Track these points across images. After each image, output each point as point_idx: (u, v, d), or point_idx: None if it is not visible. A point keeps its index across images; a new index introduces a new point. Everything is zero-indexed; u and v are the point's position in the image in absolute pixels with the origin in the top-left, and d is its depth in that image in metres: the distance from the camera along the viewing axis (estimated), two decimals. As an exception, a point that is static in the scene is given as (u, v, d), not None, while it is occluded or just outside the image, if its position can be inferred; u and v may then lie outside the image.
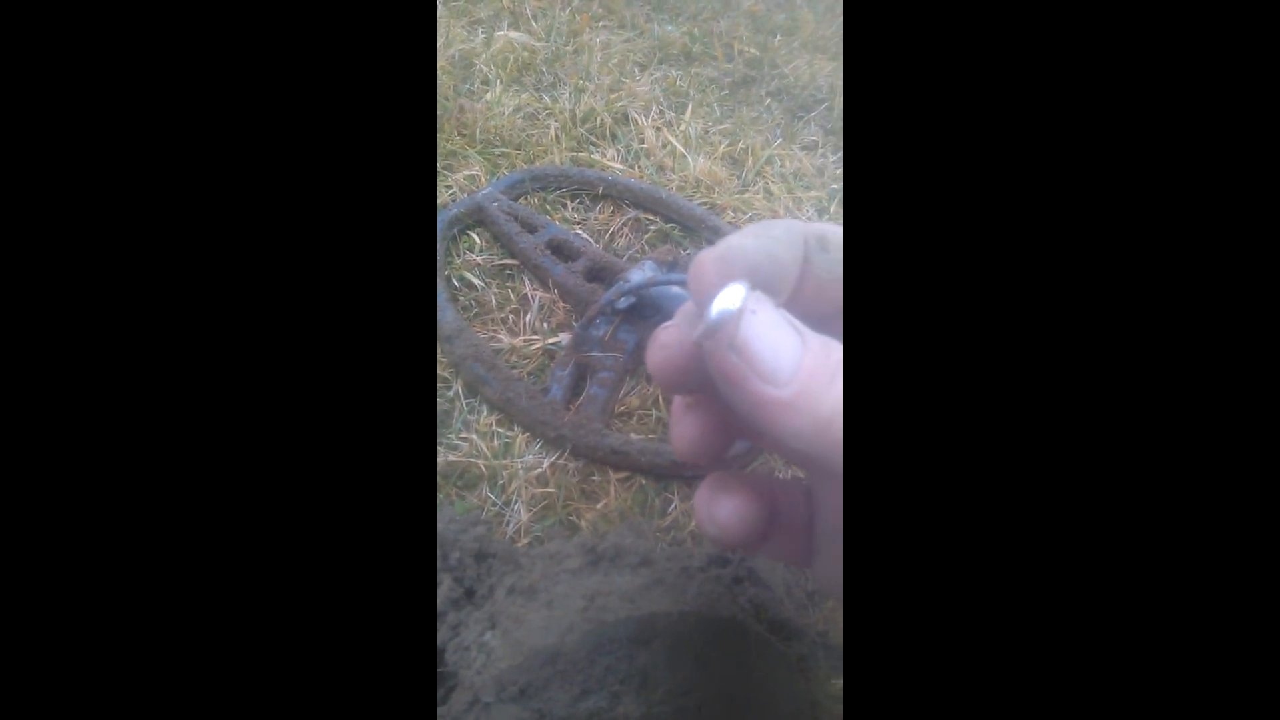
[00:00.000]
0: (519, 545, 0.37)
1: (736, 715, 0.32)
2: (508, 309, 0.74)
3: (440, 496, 0.59)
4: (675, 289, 0.68)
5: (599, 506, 0.59)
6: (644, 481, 0.61)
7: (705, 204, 0.89)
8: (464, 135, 0.92)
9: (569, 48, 1.16)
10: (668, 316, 0.70)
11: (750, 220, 0.89)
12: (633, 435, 0.64)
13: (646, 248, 0.83)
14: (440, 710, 0.32)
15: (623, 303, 0.68)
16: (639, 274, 0.69)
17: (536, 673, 0.30)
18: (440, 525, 0.41)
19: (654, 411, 0.66)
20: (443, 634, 0.34)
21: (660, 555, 0.39)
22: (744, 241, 0.22)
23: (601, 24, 1.26)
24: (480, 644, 0.31)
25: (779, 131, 1.07)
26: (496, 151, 0.91)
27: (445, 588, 0.37)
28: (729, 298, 0.20)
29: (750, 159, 0.99)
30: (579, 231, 0.82)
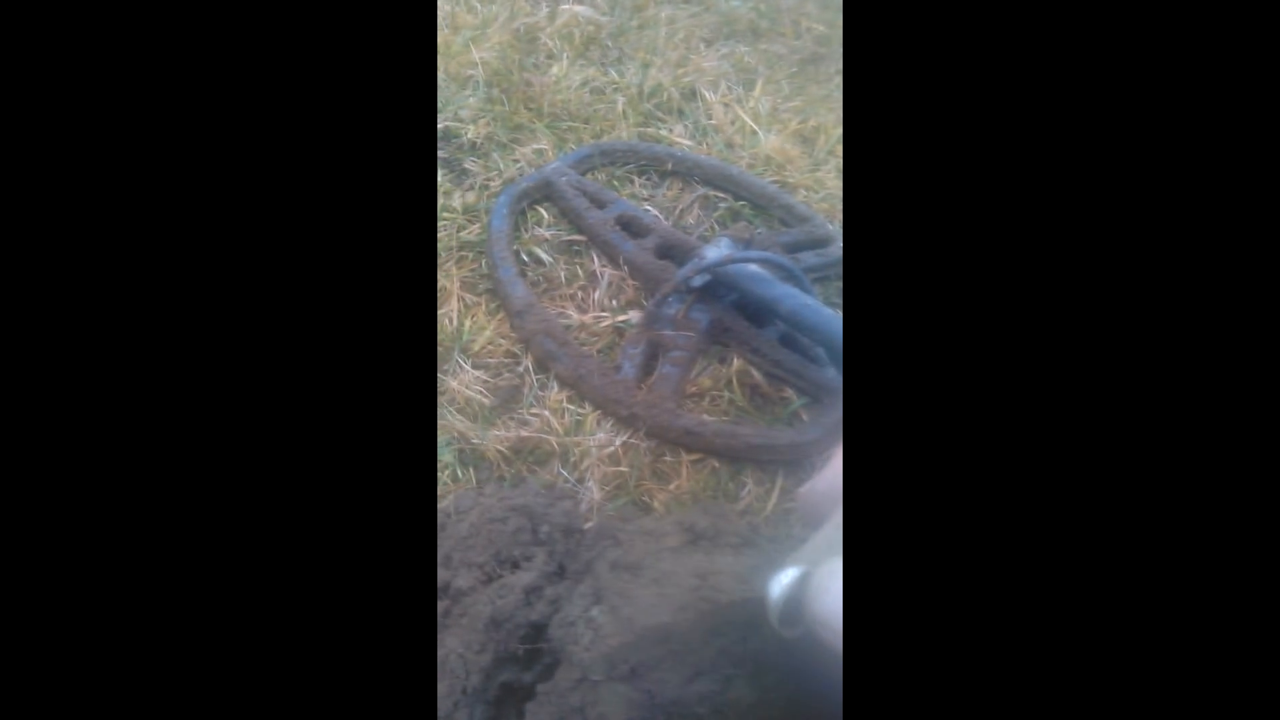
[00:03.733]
0: (613, 521, 0.36)
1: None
2: (576, 285, 0.72)
3: (511, 472, 0.58)
4: (752, 267, 0.66)
5: (671, 487, 0.58)
6: (717, 464, 0.60)
7: (776, 182, 0.87)
8: (531, 109, 0.91)
9: (634, 22, 1.13)
10: (743, 295, 0.68)
11: (823, 201, 0.86)
12: (705, 416, 0.62)
13: (716, 226, 0.81)
14: (542, 686, 0.31)
15: (698, 281, 0.66)
16: (714, 252, 0.67)
17: (648, 652, 0.29)
18: (528, 498, 0.41)
19: (726, 393, 0.64)
20: (541, 609, 0.33)
21: (762, 538, 0.37)
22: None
23: (666, -1, 1.23)
24: (587, 619, 0.30)
25: (850, 110, 1.03)
26: (563, 125, 0.89)
27: (539, 561, 0.36)
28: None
29: (822, 137, 0.95)
30: (648, 208, 0.80)
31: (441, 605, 0.36)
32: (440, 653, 0.33)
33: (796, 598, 0.21)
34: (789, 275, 0.66)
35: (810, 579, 0.22)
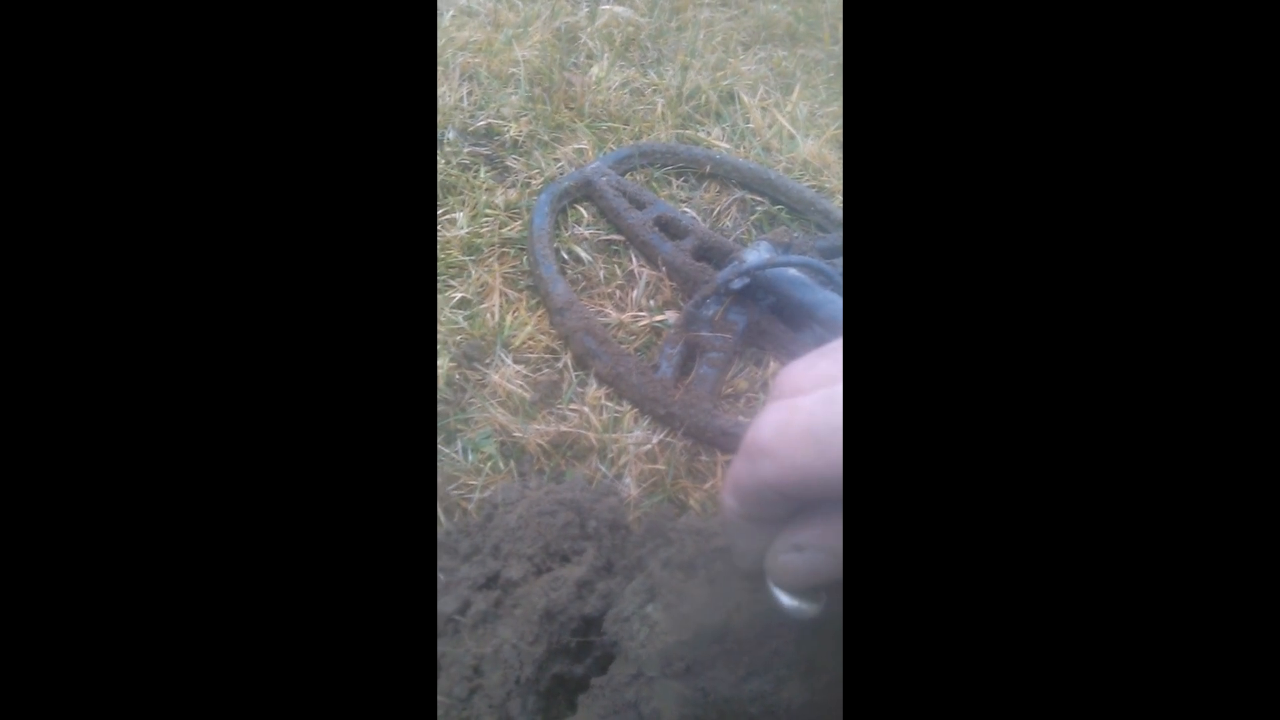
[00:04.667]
0: (662, 519, 0.37)
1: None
2: (614, 284, 0.73)
3: (550, 465, 0.59)
4: (791, 271, 0.66)
5: (707, 486, 0.59)
6: (753, 466, 0.60)
7: (814, 187, 0.87)
8: (571, 108, 0.92)
9: (673, 24, 1.14)
10: (781, 299, 0.68)
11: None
12: (741, 418, 0.63)
13: (753, 229, 0.82)
14: (598, 680, 0.31)
15: (737, 283, 0.67)
16: (754, 255, 0.68)
17: (703, 650, 0.29)
18: (575, 493, 0.41)
19: (761, 395, 0.65)
20: (594, 603, 0.34)
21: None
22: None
23: (705, 1, 1.23)
24: (642, 616, 0.31)
25: (887, 116, 1.03)
26: (603, 126, 0.90)
27: (589, 555, 0.37)
28: None
29: (859, 143, 0.95)
30: (686, 209, 0.81)
31: (493, 596, 0.37)
32: (494, 643, 0.34)
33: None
34: (827, 280, 0.66)
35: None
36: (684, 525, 0.36)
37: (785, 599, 0.27)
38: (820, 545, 0.23)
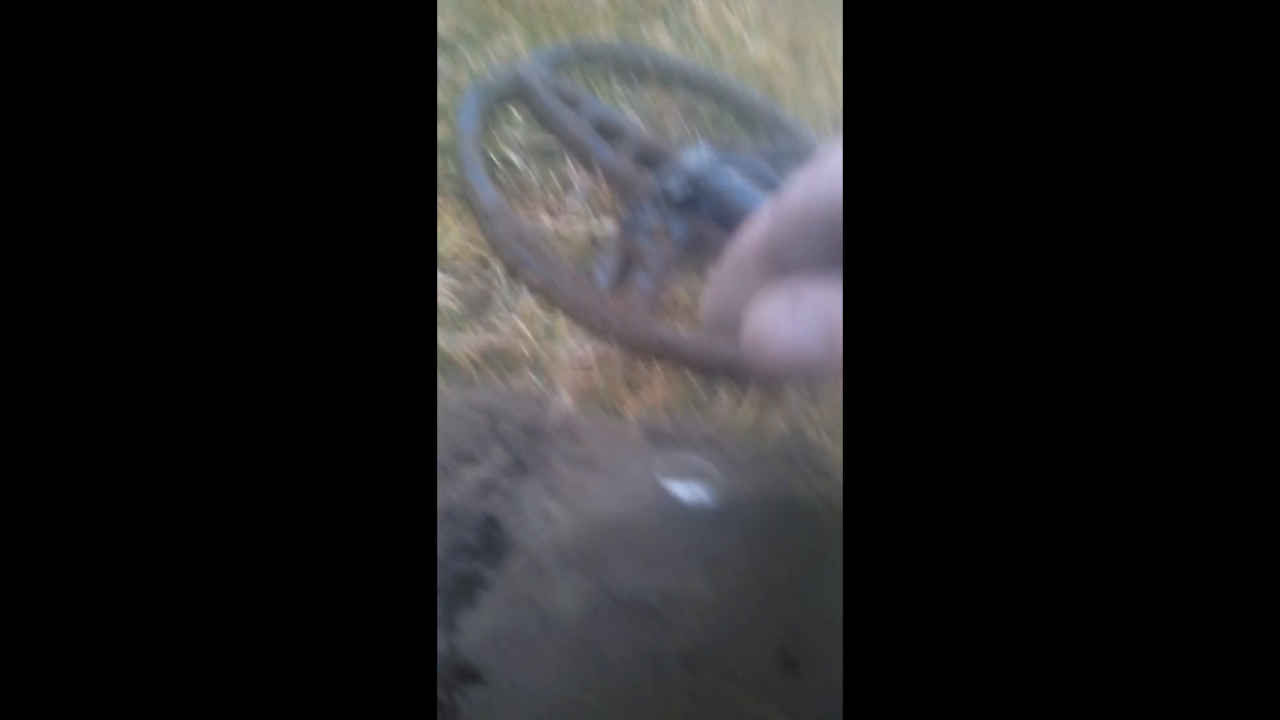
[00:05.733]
0: (575, 420, 0.35)
1: (807, 605, 0.30)
2: (549, 190, 0.69)
3: (480, 377, 0.56)
4: (731, 174, 0.63)
5: (643, 396, 0.57)
6: (690, 376, 0.59)
7: (763, 90, 0.83)
8: (503, 2, 0.85)
9: (617, -88, 1.05)
10: (723, 206, 0.65)
11: (810, 113, 0.82)
12: (680, 328, 0.61)
13: (697, 133, 0.77)
14: (492, 573, 0.30)
15: (677, 190, 0.63)
16: (694, 158, 0.64)
17: (601, 543, 0.28)
18: (489, 397, 0.39)
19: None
20: (495, 500, 0.32)
21: (727, 440, 0.36)
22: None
23: (652, -112, 1.14)
24: (541, 510, 0.29)
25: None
26: (537, 19, 0.84)
27: (495, 455, 0.35)
28: None
29: (813, 48, 0.91)
30: (626, 111, 0.76)
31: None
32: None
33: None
34: (770, 187, 0.63)
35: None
36: (596, 424, 0.34)
37: (680, 489, 0.26)
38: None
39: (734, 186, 0.63)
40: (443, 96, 0.74)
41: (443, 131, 0.71)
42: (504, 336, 0.58)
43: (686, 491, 0.25)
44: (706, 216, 0.65)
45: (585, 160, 0.70)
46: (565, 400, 0.56)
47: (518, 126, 0.72)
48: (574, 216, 0.67)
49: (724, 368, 0.58)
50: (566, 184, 0.69)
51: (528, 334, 0.59)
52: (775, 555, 0.30)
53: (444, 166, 0.69)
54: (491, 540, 0.30)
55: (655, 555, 0.28)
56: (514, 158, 0.70)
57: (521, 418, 0.38)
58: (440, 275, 0.61)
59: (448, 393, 0.45)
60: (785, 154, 0.74)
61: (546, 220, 0.66)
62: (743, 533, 0.29)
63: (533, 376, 0.57)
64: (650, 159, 0.70)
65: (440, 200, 0.66)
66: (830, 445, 0.58)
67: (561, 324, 0.60)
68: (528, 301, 0.61)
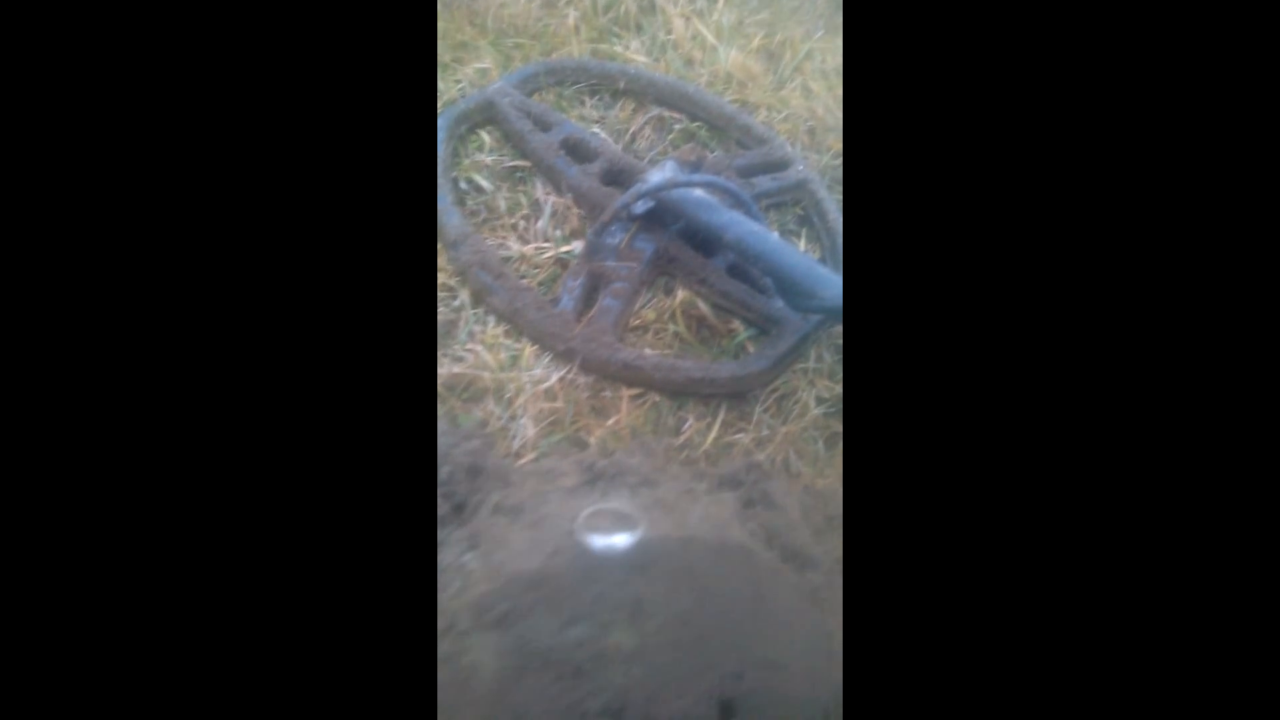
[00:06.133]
0: (519, 462, 0.34)
1: (742, 648, 0.29)
2: (518, 214, 0.69)
3: (443, 409, 0.56)
4: (698, 193, 0.62)
5: (609, 423, 0.56)
6: (657, 399, 0.58)
7: (737, 101, 0.82)
8: (475, 25, 0.85)
9: (592, -73, 1.04)
10: (689, 222, 0.64)
11: (785, 121, 0.81)
12: (647, 350, 0.60)
13: (670, 149, 0.77)
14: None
15: (640, 207, 0.62)
16: (659, 175, 0.63)
17: (518, 598, 0.27)
18: (439, 438, 0.39)
19: (671, 326, 0.62)
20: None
21: (665, 476, 0.35)
22: None
23: (629, -100, 1.13)
24: (458, 566, 0.28)
25: (821, 23, 0.96)
26: (510, 43, 0.83)
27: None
28: None
29: (789, 53, 0.89)
30: (597, 130, 0.76)
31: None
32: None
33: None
34: (737, 201, 0.62)
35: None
36: (531, 468, 0.33)
37: (600, 542, 0.25)
38: None
39: (697, 200, 0.62)
40: (412, 124, 0.74)
41: (411, 159, 0.71)
42: (468, 366, 0.58)
43: (606, 545, 0.24)
44: (673, 234, 0.64)
45: (555, 182, 0.70)
46: (529, 430, 0.55)
47: (488, 150, 0.72)
48: (543, 241, 0.67)
49: (689, 389, 0.57)
50: (536, 208, 0.69)
51: (491, 363, 0.58)
52: (706, 600, 0.29)
53: (412, 195, 0.69)
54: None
55: (576, 609, 0.27)
56: (483, 182, 0.70)
57: (465, 459, 0.38)
58: (408, 305, 0.61)
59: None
60: (756, 165, 0.73)
61: (515, 246, 0.66)
62: (670, 580, 0.28)
63: (495, 408, 0.56)
64: (621, 178, 0.69)
65: (408, 229, 0.66)
66: (795, 464, 0.56)
67: (528, 351, 0.59)
68: (493, 330, 0.61)
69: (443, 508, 0.35)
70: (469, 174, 0.70)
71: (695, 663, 0.28)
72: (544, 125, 0.73)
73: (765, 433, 0.57)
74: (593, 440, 0.55)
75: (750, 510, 0.39)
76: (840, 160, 0.80)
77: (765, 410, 0.58)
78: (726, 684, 0.30)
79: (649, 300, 0.63)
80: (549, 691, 0.26)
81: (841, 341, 0.63)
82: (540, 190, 0.70)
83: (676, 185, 0.60)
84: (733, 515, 0.35)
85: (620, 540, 0.25)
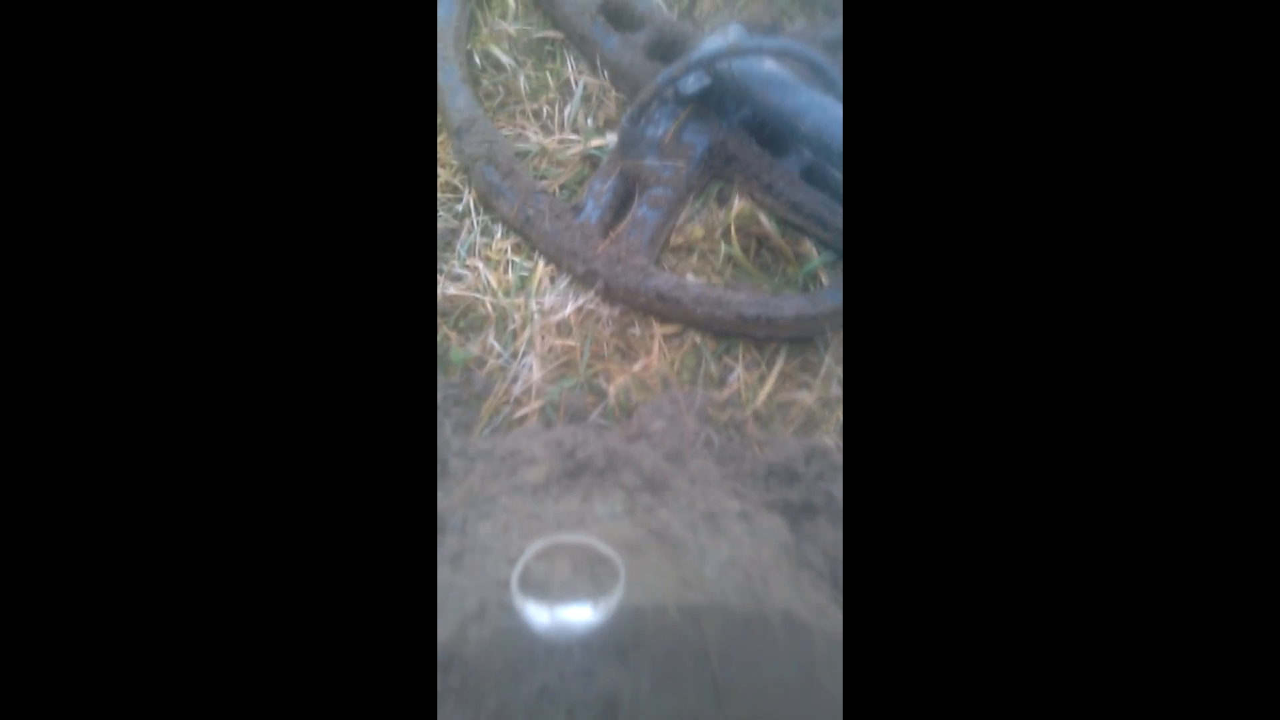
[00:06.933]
0: (481, 429, 0.23)
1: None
2: (543, 99, 0.55)
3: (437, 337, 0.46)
4: (768, 65, 0.46)
5: (635, 368, 0.45)
6: (699, 340, 0.46)
7: (830, -46, 0.63)
8: None
9: None
10: (756, 108, 0.49)
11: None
12: (690, 276, 0.47)
13: (732, 15, 0.60)
14: None
15: (691, 84, 0.48)
16: (717, 40, 0.48)
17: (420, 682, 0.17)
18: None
19: (723, 245, 0.48)
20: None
21: (683, 466, 0.23)
22: None
23: None
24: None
25: None
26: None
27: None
28: None
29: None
30: (646, -9, 0.60)
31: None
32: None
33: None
34: (821, 78, 0.46)
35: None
36: (482, 445, 0.23)
37: (539, 613, 0.15)
38: None
39: (767, 76, 0.47)
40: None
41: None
42: (467, 286, 0.47)
43: (555, 621, 0.14)
44: (735, 124, 0.49)
45: (588, 55, 0.56)
46: (534, 371, 0.44)
47: (512, 18, 0.58)
48: (571, 133, 0.53)
49: (739, 328, 0.44)
50: (565, 90, 0.55)
51: (494, 285, 0.47)
52: (728, 709, 0.18)
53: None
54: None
55: (509, 711, 0.16)
56: (502, 57, 0.56)
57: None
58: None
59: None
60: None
61: (535, 136, 0.53)
62: (667, 675, 0.17)
63: (495, 343, 0.45)
64: (671, 52, 0.54)
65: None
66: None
67: (540, 272, 0.48)
68: (500, 243, 0.49)
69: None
70: (486, 45, 0.57)
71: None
72: (580, -18, 0.58)
73: (836, 391, 0.44)
74: (612, 389, 0.44)
75: (808, 525, 0.27)
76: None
77: (839, 362, 0.45)
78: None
79: (697, 212, 0.49)
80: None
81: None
82: (572, 69, 0.56)
83: (741, 53, 0.45)
84: (780, 550, 0.23)
85: (579, 615, 0.14)
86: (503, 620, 0.18)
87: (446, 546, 0.20)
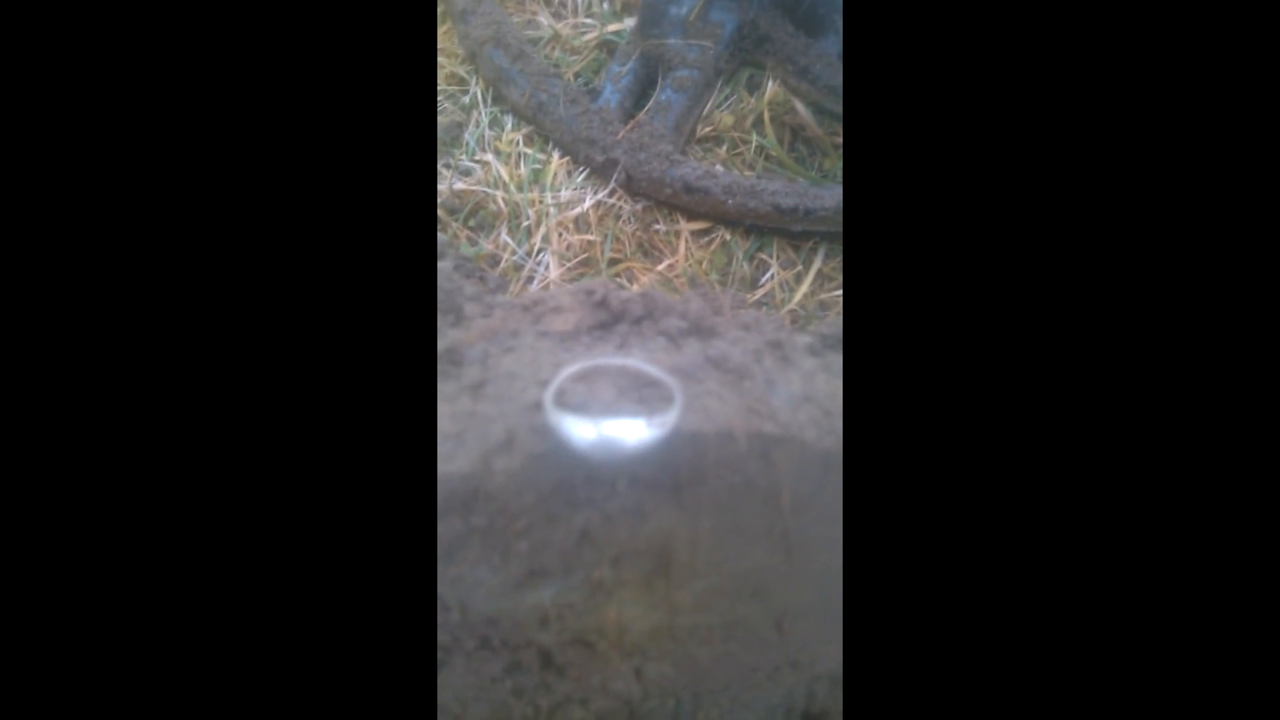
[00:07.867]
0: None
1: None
2: (554, -21, 0.50)
3: (444, 237, 0.42)
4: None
5: (660, 267, 0.41)
6: (729, 236, 0.42)
7: None
8: None
9: None
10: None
11: None
12: (719, 167, 0.43)
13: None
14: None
15: (721, -49, 0.43)
16: (751, -98, 0.43)
17: (441, 521, 0.14)
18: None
19: (754, 135, 0.44)
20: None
21: (730, 325, 0.20)
22: None
23: None
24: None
25: None
26: None
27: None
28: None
29: None
30: None
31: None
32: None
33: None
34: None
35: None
36: (507, 300, 0.20)
37: (581, 426, 0.12)
38: None
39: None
40: None
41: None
42: (476, 181, 0.43)
43: (601, 438, 0.11)
44: (765, 2, 0.45)
45: (603, -69, 0.50)
46: (551, 271, 0.41)
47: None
48: (585, 18, 0.49)
49: (774, 221, 0.41)
50: (577, -32, 0.50)
51: (506, 179, 0.43)
52: (794, 541, 0.15)
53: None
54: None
55: (539, 546, 0.14)
56: (508, -66, 0.51)
57: (446, 299, 0.24)
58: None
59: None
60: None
61: (547, 21, 0.48)
62: (724, 509, 0.14)
63: (509, 239, 0.42)
64: (695, -76, 0.49)
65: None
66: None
67: (555, 163, 0.44)
68: (511, 134, 0.45)
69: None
70: (489, -79, 0.51)
71: (759, 657, 0.15)
72: None
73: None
74: (635, 289, 0.40)
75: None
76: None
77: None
78: (816, 689, 0.18)
79: (725, 99, 0.45)
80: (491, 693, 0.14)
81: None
82: (585, -57, 0.51)
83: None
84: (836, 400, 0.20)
85: (630, 431, 0.11)
86: (534, 446, 0.15)
87: (465, 378, 0.17)
